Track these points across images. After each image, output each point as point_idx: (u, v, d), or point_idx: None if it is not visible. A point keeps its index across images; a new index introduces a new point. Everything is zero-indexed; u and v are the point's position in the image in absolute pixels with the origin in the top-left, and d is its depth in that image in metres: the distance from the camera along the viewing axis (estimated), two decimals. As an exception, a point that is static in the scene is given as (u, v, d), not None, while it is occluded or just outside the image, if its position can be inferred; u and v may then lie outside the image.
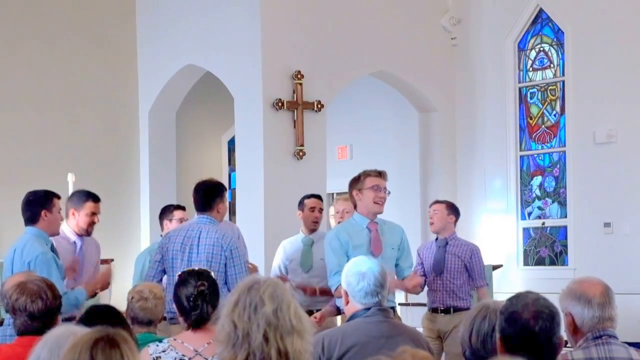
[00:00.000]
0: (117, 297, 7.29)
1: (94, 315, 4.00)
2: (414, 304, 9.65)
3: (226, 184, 12.44)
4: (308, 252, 7.70)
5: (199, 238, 6.51)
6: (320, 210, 7.86)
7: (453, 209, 7.89)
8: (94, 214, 6.70)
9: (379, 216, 6.67)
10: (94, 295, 6.69)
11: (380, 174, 6.60)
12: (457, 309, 7.56)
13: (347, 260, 6.26)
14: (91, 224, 6.70)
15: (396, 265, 6.71)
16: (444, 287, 7.65)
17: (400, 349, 2.79)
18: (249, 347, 2.96)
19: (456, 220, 7.89)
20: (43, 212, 6.28)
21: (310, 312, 7.45)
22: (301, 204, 7.91)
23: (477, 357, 3.64)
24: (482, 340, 3.63)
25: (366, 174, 6.59)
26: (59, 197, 6.47)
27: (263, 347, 2.96)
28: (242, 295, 3.02)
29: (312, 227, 7.82)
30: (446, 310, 7.61)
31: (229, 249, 6.42)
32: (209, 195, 6.64)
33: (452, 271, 7.64)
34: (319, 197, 7.97)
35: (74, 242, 6.72)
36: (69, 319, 6.52)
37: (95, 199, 6.72)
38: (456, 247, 7.72)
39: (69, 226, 6.72)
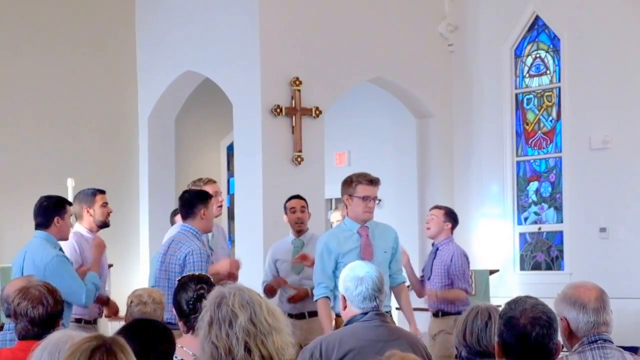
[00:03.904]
0: (117, 301, 7.33)
1: (136, 330, 3.63)
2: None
3: (225, 190, 12.50)
4: (298, 254, 7.71)
5: (167, 247, 6.65)
6: (303, 209, 7.84)
7: (451, 216, 7.92)
8: (106, 204, 6.97)
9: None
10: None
11: (372, 182, 6.53)
12: (445, 313, 7.67)
13: (335, 268, 6.36)
14: (108, 214, 6.96)
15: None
16: (436, 290, 7.76)
17: (388, 353, 2.81)
18: None
19: (453, 227, 7.93)
20: (56, 219, 6.38)
21: (301, 315, 7.56)
22: (285, 207, 7.96)
23: (473, 353, 3.69)
24: (476, 336, 3.70)
25: (358, 180, 6.53)
26: (70, 204, 6.60)
27: (247, 359, 2.98)
28: (214, 314, 3.01)
29: (297, 228, 7.83)
30: (435, 314, 7.76)
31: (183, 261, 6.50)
32: (185, 205, 6.73)
33: (437, 276, 7.75)
34: (299, 197, 7.96)
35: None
36: (78, 320, 6.71)
37: (102, 191, 7.00)
38: (443, 253, 7.78)
39: (83, 226, 6.86)
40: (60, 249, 6.45)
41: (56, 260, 6.23)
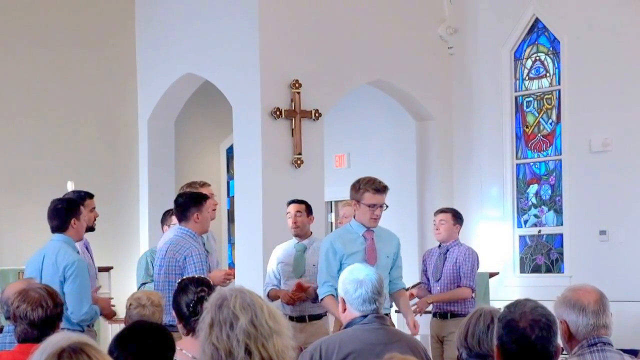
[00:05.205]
0: (117, 304, 7.34)
1: (135, 333, 3.66)
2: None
3: (225, 192, 12.50)
4: (300, 258, 7.71)
5: (166, 250, 6.68)
6: (298, 214, 7.76)
7: (458, 218, 8.01)
8: (94, 208, 6.95)
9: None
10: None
11: (379, 190, 6.56)
12: (454, 315, 7.69)
13: (339, 270, 6.38)
14: (95, 218, 6.95)
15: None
16: (441, 292, 7.78)
17: (388, 355, 2.81)
18: None
19: (460, 228, 8.00)
20: (72, 221, 6.36)
21: (302, 319, 7.57)
22: None
23: (473, 356, 3.70)
24: (477, 338, 3.71)
25: (365, 188, 6.56)
26: (83, 204, 6.59)
27: None
28: (215, 315, 3.01)
29: (294, 232, 7.79)
30: (443, 315, 7.77)
31: (183, 263, 6.53)
32: (180, 208, 6.75)
33: (449, 277, 7.79)
34: (297, 201, 7.90)
35: (85, 243, 6.93)
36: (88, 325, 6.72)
37: (91, 195, 6.98)
38: (455, 253, 7.84)
39: None
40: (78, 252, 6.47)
41: (78, 265, 6.22)
